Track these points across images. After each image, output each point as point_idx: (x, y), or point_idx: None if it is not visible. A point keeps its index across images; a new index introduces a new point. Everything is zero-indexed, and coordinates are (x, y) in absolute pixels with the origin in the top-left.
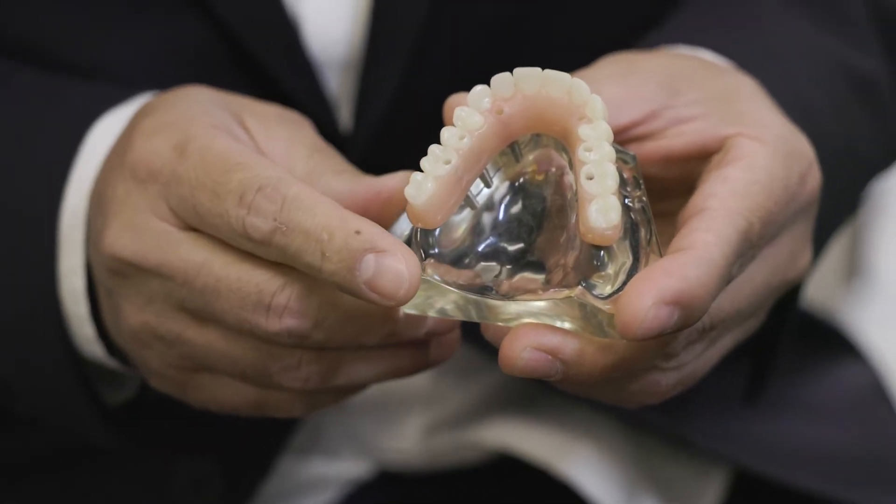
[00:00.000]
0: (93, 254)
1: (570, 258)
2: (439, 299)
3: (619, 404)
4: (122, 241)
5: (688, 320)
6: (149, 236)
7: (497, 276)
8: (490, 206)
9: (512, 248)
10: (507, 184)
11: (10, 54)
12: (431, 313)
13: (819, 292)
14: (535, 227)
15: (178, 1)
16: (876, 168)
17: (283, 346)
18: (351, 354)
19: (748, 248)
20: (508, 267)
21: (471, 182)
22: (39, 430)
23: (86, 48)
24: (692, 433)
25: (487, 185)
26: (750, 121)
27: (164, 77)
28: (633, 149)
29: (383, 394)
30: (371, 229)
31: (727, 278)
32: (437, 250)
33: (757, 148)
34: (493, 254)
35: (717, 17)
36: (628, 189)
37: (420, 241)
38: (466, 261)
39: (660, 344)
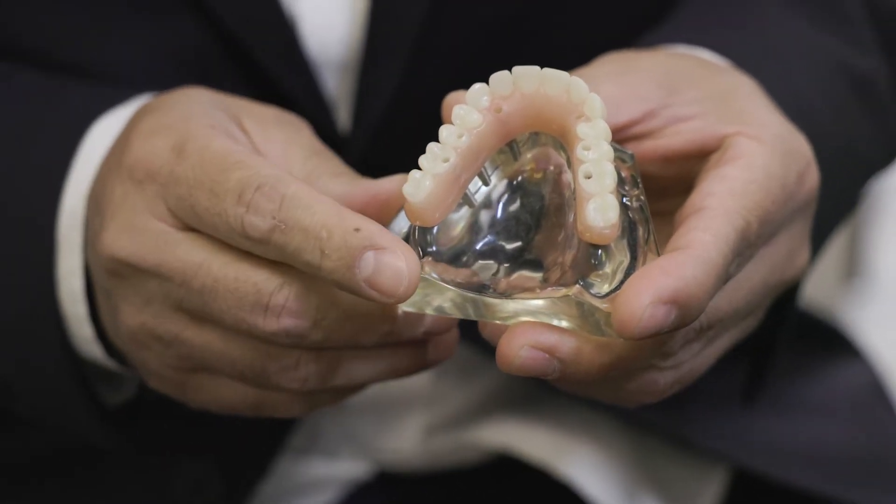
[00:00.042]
0: (91, 255)
1: (568, 257)
2: (437, 297)
3: (617, 403)
4: (120, 241)
5: (685, 319)
6: (147, 237)
7: (495, 275)
8: (488, 204)
9: (510, 246)
10: (505, 182)
11: (9, 54)
12: (429, 311)
13: (818, 292)
14: (533, 226)
15: (176, 1)
16: (874, 168)
17: (282, 346)
18: (349, 354)
19: (746, 248)
20: (506, 265)
21: (469, 180)
22: (39, 430)
23: (85, 48)
24: (692, 433)
25: (486, 183)
26: (748, 120)
27: (162, 77)
28: (631, 147)
29: (382, 394)
30: (370, 227)
31: (725, 277)
32: (434, 248)
33: (755, 147)
34: (491, 252)
35: (715, 16)
36: (626, 188)
37: (418, 239)
38: (464, 259)
39: (657, 343)
